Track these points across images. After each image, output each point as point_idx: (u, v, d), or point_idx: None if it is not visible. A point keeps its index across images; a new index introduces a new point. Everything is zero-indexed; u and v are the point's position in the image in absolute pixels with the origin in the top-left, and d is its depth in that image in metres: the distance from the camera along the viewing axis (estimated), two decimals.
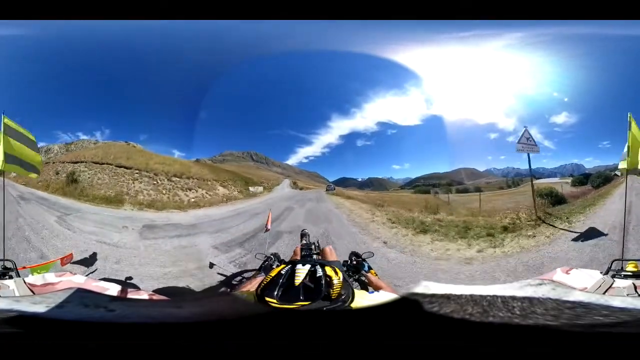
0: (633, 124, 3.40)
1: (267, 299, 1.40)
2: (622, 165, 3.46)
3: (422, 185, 10.03)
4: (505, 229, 4.66)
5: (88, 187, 5.79)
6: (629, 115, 3.42)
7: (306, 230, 3.75)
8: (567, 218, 4.57)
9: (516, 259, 4.00)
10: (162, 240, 4.86)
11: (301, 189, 11.03)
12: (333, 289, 1.42)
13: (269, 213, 4.86)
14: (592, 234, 3.69)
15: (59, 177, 5.86)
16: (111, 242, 4.43)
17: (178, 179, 6.57)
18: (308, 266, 1.51)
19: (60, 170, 6.25)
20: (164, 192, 6.29)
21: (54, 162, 6.68)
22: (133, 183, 6.24)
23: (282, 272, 1.51)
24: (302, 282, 1.44)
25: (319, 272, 1.47)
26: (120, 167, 6.39)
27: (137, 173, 6.37)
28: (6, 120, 3.23)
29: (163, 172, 6.43)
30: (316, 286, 1.42)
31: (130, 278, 4.11)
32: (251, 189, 10.00)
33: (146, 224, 5.29)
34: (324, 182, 11.15)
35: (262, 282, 1.51)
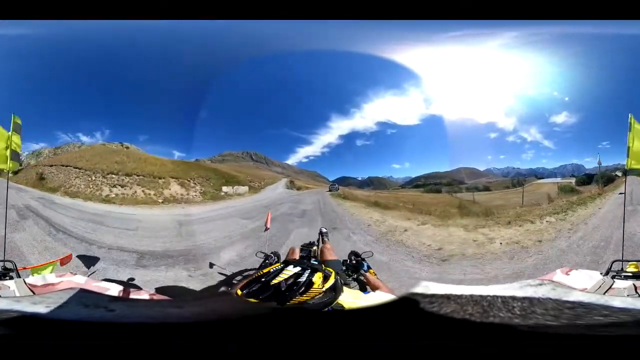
0: (634, 126, 3.36)
1: (238, 291, 1.44)
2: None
3: (424, 184, 9.99)
4: (599, 194, 7.58)
5: (48, 182, 7.45)
6: (630, 116, 3.39)
7: (325, 229, 3.74)
8: (611, 191, 7.61)
9: (609, 202, 6.88)
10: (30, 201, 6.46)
11: (299, 189, 10.06)
12: (302, 296, 1.42)
13: (268, 213, 4.86)
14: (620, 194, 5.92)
15: (36, 177, 7.57)
16: (17, 196, 6.10)
17: (114, 176, 7.39)
18: (297, 269, 1.51)
19: (39, 172, 7.72)
20: (90, 186, 7.30)
21: (38, 165, 7.96)
22: (74, 180, 7.43)
23: (272, 270, 1.53)
24: (278, 283, 1.45)
25: (303, 277, 1.47)
26: (76, 167, 7.57)
27: (82, 172, 7.49)
28: (16, 120, 3.26)
29: (101, 170, 7.43)
30: (286, 289, 1.44)
31: (132, 279, 4.15)
32: (225, 189, 8.77)
33: (43, 197, 6.93)
34: (325, 181, 10.90)
35: (251, 277, 1.53)
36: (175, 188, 7.70)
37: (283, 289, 1.43)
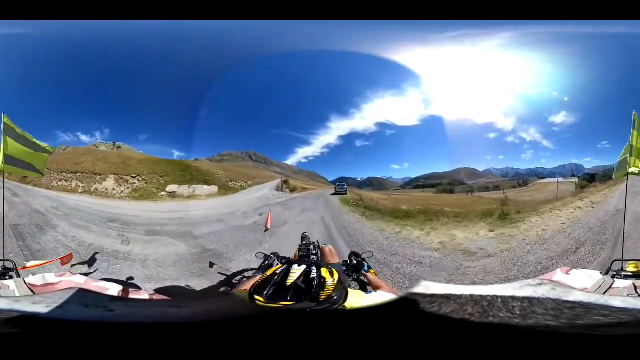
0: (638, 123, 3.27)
1: (256, 297, 1.42)
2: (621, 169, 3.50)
3: (424, 185, 9.95)
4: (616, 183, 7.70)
5: (27, 179, 8.52)
6: (634, 113, 3.32)
7: (306, 233, 3.76)
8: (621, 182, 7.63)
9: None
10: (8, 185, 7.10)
11: (293, 190, 8.62)
12: (323, 291, 1.43)
13: (269, 213, 4.88)
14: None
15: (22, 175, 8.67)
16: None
17: (63, 174, 9.38)
18: (304, 267, 1.52)
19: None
20: (46, 181, 9.12)
21: None
22: (39, 178, 9.10)
23: (278, 271, 1.52)
24: (294, 283, 1.45)
25: (314, 274, 1.48)
26: (47, 168, 9.54)
27: (48, 171, 9.08)
28: (6, 120, 3.16)
29: (57, 169, 9.36)
30: (306, 287, 1.43)
31: (131, 278, 4.18)
32: (170, 188, 8.58)
33: (18, 185, 8.17)
34: (324, 182, 10.70)
35: (257, 280, 1.52)
36: (107, 183, 9.28)
37: (303, 288, 1.43)
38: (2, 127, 3.13)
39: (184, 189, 8.84)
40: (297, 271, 1.49)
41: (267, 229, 4.77)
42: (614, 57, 7.17)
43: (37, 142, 3.48)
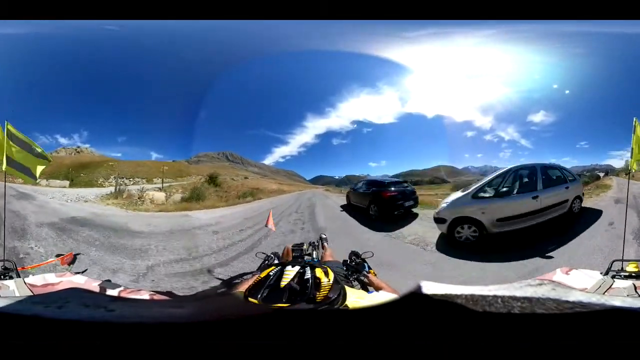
0: (638, 128, 3.58)
1: (250, 299, 1.41)
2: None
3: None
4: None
5: None
6: (634, 120, 3.60)
7: (325, 235, 3.78)
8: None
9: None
10: None
11: (190, 200, 9.15)
12: (319, 292, 1.42)
13: (269, 212, 4.89)
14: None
15: None
16: None
17: None
18: (297, 268, 1.52)
19: None
20: None
21: None
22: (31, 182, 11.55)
23: (272, 273, 1.52)
24: (289, 284, 1.44)
25: (308, 274, 1.47)
26: None
27: None
28: (9, 126, 3.34)
29: None
30: (302, 288, 1.42)
31: (108, 281, 4.37)
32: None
33: None
34: (302, 181, 10.55)
35: (252, 282, 1.52)
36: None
37: (298, 289, 1.42)
38: (5, 132, 3.31)
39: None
40: (290, 272, 1.49)
41: (271, 229, 4.81)
42: (594, 56, 7.12)
43: (39, 149, 3.59)
